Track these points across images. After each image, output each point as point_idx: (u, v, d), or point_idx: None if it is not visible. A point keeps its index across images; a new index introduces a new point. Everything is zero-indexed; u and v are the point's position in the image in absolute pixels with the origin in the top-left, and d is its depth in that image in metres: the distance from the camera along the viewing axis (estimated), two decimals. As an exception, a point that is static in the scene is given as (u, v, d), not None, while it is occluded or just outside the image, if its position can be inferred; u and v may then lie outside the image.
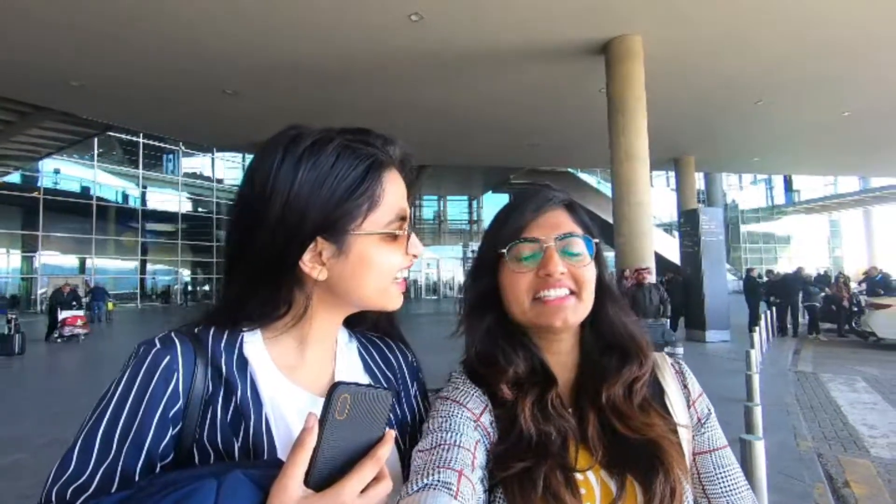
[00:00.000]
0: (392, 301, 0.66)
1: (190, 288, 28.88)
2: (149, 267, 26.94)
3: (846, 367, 7.55)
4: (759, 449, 2.15)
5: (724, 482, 0.68)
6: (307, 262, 0.60)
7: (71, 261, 24.08)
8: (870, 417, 4.99)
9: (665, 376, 0.74)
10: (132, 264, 25.72)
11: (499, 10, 9.19)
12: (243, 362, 0.60)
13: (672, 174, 26.12)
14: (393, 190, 0.64)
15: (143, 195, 26.79)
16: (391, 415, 0.56)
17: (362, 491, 0.49)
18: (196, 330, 0.62)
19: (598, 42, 10.37)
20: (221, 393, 0.58)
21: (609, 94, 10.72)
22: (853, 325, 11.22)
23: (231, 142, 20.25)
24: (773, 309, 11.08)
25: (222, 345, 0.60)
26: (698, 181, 27.52)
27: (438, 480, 0.55)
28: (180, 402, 0.56)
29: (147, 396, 0.54)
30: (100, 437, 0.53)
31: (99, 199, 24.14)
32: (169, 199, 28.12)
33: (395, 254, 0.63)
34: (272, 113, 15.39)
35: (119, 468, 0.52)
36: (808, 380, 6.77)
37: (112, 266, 25.32)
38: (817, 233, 43.94)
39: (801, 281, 11.71)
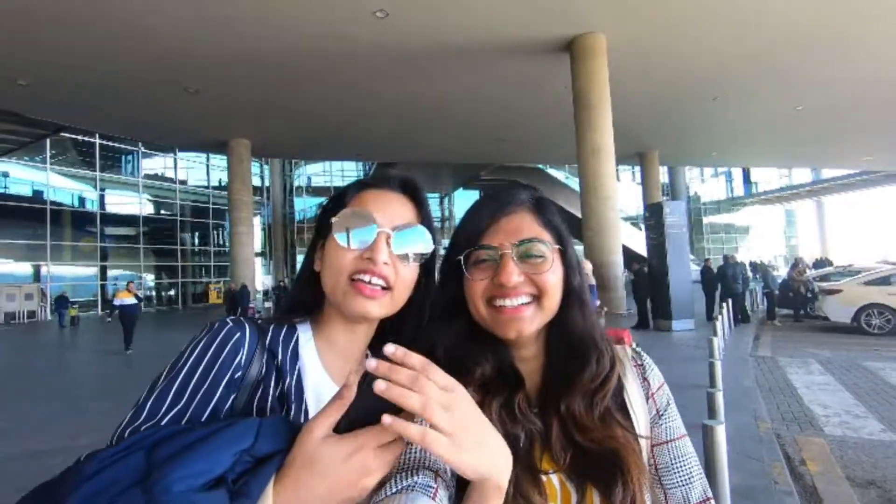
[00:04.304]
0: (349, 303, 0.70)
1: (154, 293, 27.92)
2: (109, 273, 25.89)
3: (802, 351, 7.93)
4: (721, 433, 2.25)
5: (679, 473, 0.68)
6: (317, 259, 0.75)
7: (24, 268, 22.96)
8: (823, 397, 5.27)
9: (624, 370, 0.72)
10: (91, 270, 24.68)
11: (463, 6, 9.20)
12: (295, 358, 0.72)
13: (637, 168, 26.74)
14: (362, 200, 0.74)
15: (102, 198, 25.69)
16: None
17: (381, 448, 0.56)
18: (259, 321, 0.73)
19: (563, 39, 10.51)
20: (273, 376, 0.68)
21: (575, 91, 10.87)
22: (808, 310, 11.78)
23: (194, 141, 19.66)
24: (731, 298, 11.46)
25: (280, 338, 0.72)
26: (662, 175, 28.24)
27: (417, 482, 0.55)
28: (241, 372, 0.65)
29: (219, 361, 0.63)
30: (174, 389, 0.60)
31: (53, 202, 23.06)
32: (129, 202, 27.07)
33: (347, 252, 0.70)
34: (236, 111, 14.97)
35: (187, 416, 0.59)
36: (766, 364, 7.07)
37: (70, 273, 24.23)
38: (774, 222, 45.99)
39: (752, 269, 12.15)
